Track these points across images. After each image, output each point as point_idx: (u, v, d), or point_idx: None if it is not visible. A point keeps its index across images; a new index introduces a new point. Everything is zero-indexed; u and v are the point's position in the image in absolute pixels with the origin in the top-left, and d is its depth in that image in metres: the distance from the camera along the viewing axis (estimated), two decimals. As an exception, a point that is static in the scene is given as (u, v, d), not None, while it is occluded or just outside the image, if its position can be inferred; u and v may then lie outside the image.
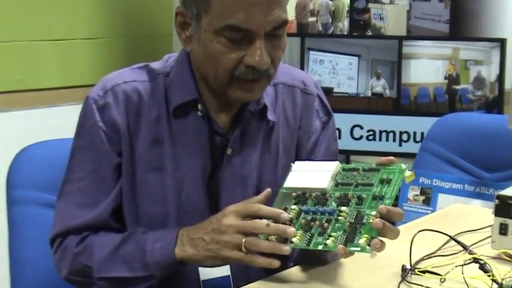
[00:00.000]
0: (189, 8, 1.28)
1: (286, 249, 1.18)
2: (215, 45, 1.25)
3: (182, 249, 1.25)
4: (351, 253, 1.16)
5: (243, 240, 1.20)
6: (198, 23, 1.27)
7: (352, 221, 1.19)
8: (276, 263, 1.20)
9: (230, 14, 1.22)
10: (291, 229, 1.20)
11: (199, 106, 1.34)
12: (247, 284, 1.27)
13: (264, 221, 1.21)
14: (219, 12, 1.23)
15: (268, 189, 1.27)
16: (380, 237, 1.14)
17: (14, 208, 1.52)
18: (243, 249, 1.20)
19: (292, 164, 1.32)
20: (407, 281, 1.25)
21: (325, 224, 1.20)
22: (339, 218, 1.20)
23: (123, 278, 1.28)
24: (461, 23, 2.69)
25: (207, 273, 1.33)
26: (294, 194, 1.27)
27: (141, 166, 1.33)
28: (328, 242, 1.17)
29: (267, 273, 1.30)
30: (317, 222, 1.21)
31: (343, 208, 1.21)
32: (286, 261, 1.39)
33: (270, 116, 1.39)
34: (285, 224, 1.21)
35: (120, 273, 1.27)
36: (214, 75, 1.29)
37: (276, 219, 1.21)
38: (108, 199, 1.33)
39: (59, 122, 2.38)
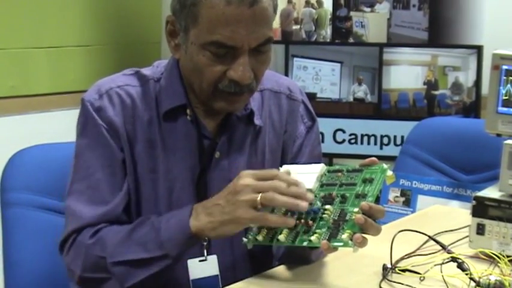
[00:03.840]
0: (178, 19, 1.30)
1: (303, 205, 1.19)
2: (200, 58, 1.27)
3: (197, 219, 1.24)
4: (335, 248, 1.18)
5: (258, 198, 1.20)
6: (185, 34, 1.29)
7: (336, 218, 1.20)
8: (291, 221, 1.21)
9: (216, 30, 1.24)
10: (310, 195, 1.21)
11: (188, 111, 1.36)
12: (234, 282, 1.28)
13: (283, 183, 1.21)
14: (205, 27, 1.25)
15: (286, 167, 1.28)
16: (362, 234, 1.16)
17: (8, 211, 1.53)
18: (259, 206, 1.20)
19: (279, 167, 1.34)
20: (388, 280, 1.27)
21: (310, 222, 1.22)
22: (324, 215, 1.21)
23: (138, 260, 1.25)
24: (439, 30, 2.70)
25: (196, 272, 1.33)
26: (281, 195, 1.28)
27: (140, 166, 1.34)
28: (313, 238, 1.19)
29: (253, 273, 1.33)
30: (302, 221, 1.23)
31: (327, 206, 1.22)
32: (271, 260, 1.42)
33: (257, 120, 1.41)
34: (304, 193, 1.21)
35: (135, 255, 1.25)
36: (199, 86, 1.31)
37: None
38: (121, 192, 1.32)
39: (51, 127, 2.39)
